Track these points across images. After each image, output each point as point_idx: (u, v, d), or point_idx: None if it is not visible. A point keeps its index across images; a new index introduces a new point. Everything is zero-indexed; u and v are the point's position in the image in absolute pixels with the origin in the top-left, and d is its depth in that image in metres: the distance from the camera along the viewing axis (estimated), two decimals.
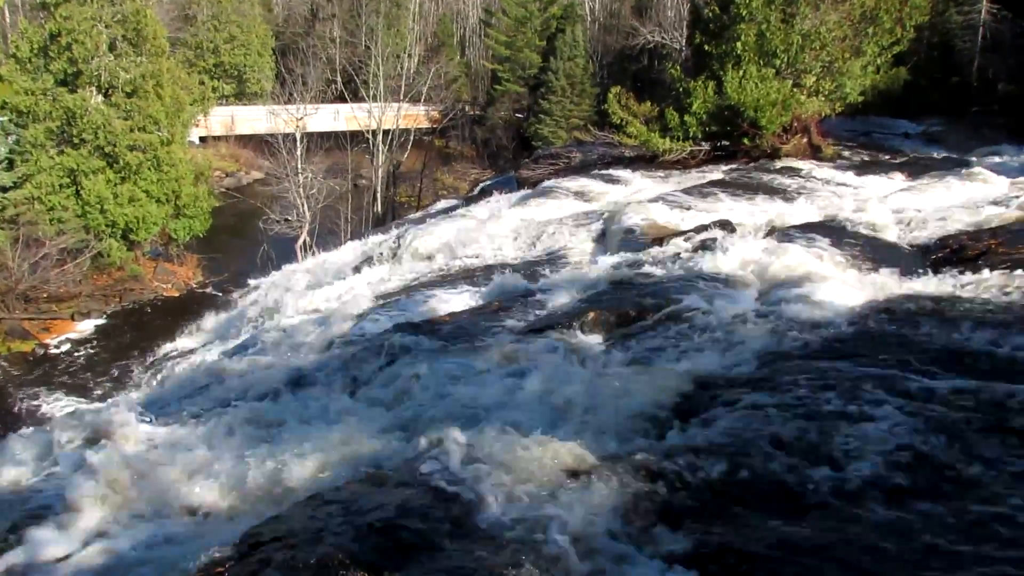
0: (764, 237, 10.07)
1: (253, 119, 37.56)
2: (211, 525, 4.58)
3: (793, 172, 15.91)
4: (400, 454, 4.60)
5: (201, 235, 24.82)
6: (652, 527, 3.85)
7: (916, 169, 15.27)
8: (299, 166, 25.73)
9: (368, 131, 32.20)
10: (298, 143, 26.20)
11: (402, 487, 4.04)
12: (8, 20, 33.58)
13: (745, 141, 17.68)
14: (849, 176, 15.37)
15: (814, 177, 15.57)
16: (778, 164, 16.83)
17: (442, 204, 24.49)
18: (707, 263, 9.24)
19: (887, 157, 17.67)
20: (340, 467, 4.96)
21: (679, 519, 3.91)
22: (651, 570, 3.56)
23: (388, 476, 4.23)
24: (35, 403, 15.78)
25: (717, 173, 16.71)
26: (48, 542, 4.89)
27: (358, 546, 3.47)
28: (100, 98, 22.36)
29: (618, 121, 18.96)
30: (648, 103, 19.50)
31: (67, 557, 4.72)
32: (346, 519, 3.71)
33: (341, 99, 39.18)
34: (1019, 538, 3.52)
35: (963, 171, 14.24)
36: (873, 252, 9.27)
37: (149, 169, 22.66)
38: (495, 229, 14.57)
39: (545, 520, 3.73)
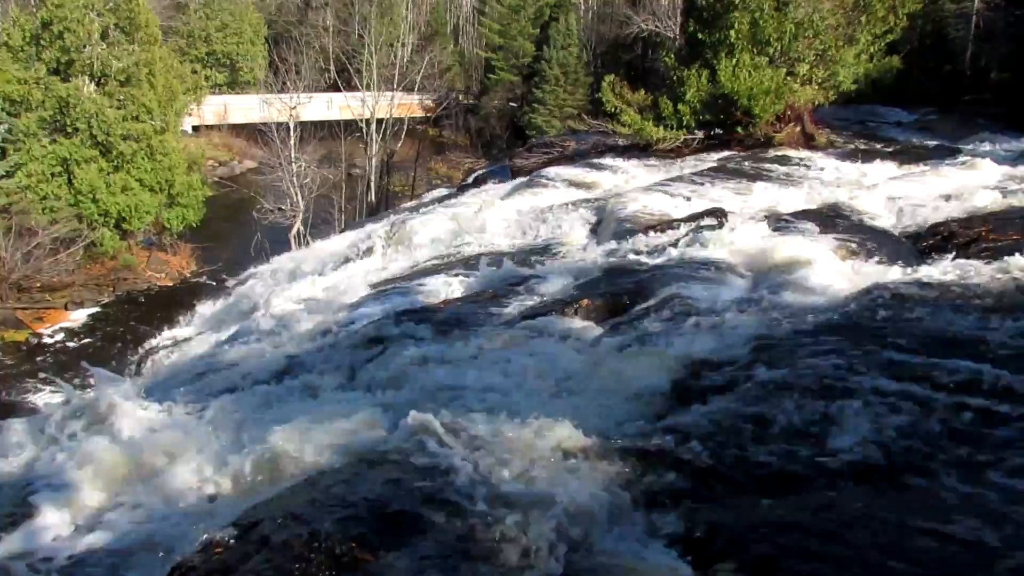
0: (757, 224, 10.12)
1: (246, 108, 37.42)
2: (208, 507, 4.62)
3: (786, 160, 15.92)
4: (394, 437, 4.64)
5: (195, 224, 24.74)
6: (643, 507, 3.91)
7: (909, 157, 15.28)
8: (292, 155, 25.65)
9: (362, 120, 32.13)
10: (291, 132, 26.09)
11: (396, 468, 4.09)
12: None
13: (739, 130, 17.68)
14: (842, 164, 15.39)
15: (807, 165, 15.60)
16: (771, 153, 16.83)
17: (436, 193, 24.45)
18: (700, 251, 9.29)
19: (880, 146, 17.67)
20: (335, 450, 5.00)
21: (670, 499, 3.98)
22: (642, 549, 3.62)
23: (382, 458, 4.28)
24: (30, 392, 15.76)
25: (711, 162, 16.71)
26: (46, 527, 4.93)
27: (354, 524, 3.52)
28: (93, 87, 22.24)
29: (612, 110, 18.92)
30: (642, 92, 19.44)
31: (65, 541, 4.75)
32: (342, 499, 3.76)
33: (334, 88, 39.00)
34: (1003, 517, 3.59)
35: (956, 159, 14.30)
36: (865, 239, 9.32)
37: (142, 158, 22.55)
38: (489, 218, 14.57)
39: (537, 500, 3.78)
